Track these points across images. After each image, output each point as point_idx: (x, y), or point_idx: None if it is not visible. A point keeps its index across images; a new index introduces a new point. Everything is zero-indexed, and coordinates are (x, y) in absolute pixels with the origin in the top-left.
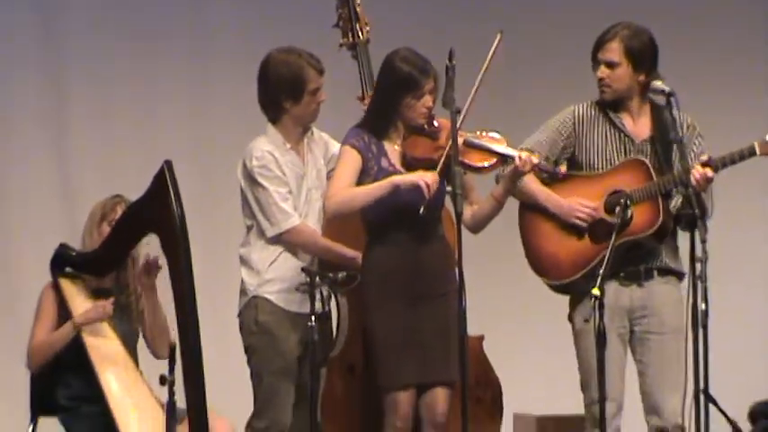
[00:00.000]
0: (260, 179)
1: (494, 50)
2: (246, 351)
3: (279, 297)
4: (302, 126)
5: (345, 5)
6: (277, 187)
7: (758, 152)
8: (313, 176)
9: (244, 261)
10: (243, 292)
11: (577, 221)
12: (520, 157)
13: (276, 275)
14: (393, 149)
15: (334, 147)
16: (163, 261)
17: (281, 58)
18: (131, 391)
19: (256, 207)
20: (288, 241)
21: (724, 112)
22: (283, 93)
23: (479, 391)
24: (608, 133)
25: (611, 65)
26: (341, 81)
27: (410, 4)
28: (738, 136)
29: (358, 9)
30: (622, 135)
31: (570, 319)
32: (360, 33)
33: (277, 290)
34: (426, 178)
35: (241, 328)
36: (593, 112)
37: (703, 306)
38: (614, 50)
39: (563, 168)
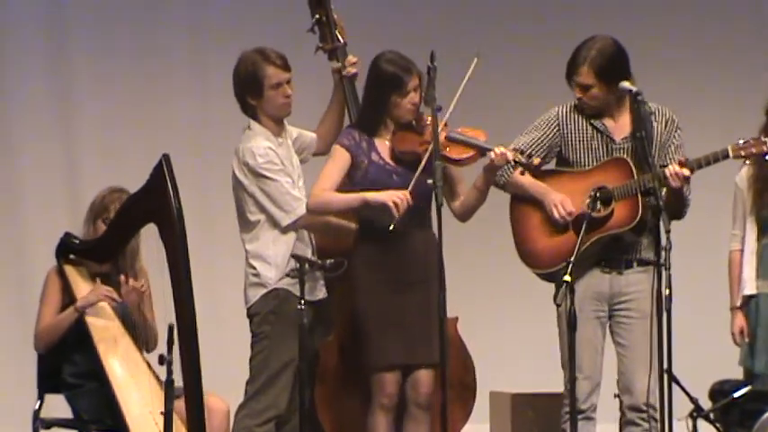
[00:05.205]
0: (268, 174)
1: (471, 72)
2: (255, 336)
3: (296, 287)
4: (275, 120)
5: (323, 11)
6: (285, 178)
7: (731, 155)
8: (297, 165)
9: (256, 256)
10: (258, 284)
11: (554, 220)
12: (494, 152)
13: (293, 266)
14: (384, 144)
15: (293, 132)
16: (161, 249)
17: (243, 58)
18: (131, 369)
19: (267, 200)
20: (303, 225)
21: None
22: (245, 90)
23: (454, 371)
24: (591, 131)
25: (584, 88)
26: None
27: (393, 7)
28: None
29: (335, 15)
30: (603, 134)
31: (555, 302)
32: (339, 37)
33: (295, 281)
34: (396, 197)
35: (253, 316)
36: (574, 114)
37: (667, 292)
38: (585, 74)
39: (536, 161)
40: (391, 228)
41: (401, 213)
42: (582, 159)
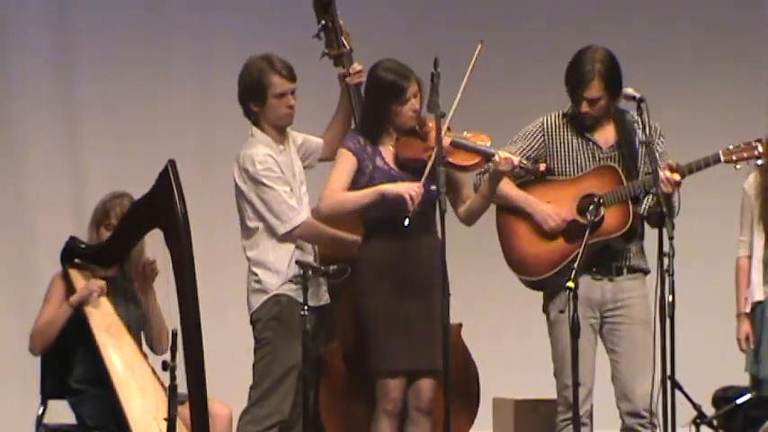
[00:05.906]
0: (266, 181)
1: (475, 59)
2: (258, 342)
3: (299, 293)
4: (276, 128)
5: (329, 17)
6: (283, 186)
7: (722, 159)
8: (299, 172)
9: (258, 263)
10: (260, 291)
11: (548, 229)
12: (499, 156)
13: (297, 272)
14: (388, 150)
15: (299, 138)
16: (166, 255)
17: (250, 64)
18: (136, 375)
19: (264, 208)
20: (299, 235)
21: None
22: (249, 96)
23: (457, 377)
24: (576, 142)
25: (593, 101)
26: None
27: (396, 14)
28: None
29: (341, 21)
30: (590, 143)
31: (545, 310)
32: (345, 44)
33: (298, 287)
34: (412, 190)
35: (256, 323)
36: (561, 123)
37: (670, 298)
38: (596, 88)
39: (542, 166)
40: (407, 223)
41: (416, 206)
42: (567, 169)
